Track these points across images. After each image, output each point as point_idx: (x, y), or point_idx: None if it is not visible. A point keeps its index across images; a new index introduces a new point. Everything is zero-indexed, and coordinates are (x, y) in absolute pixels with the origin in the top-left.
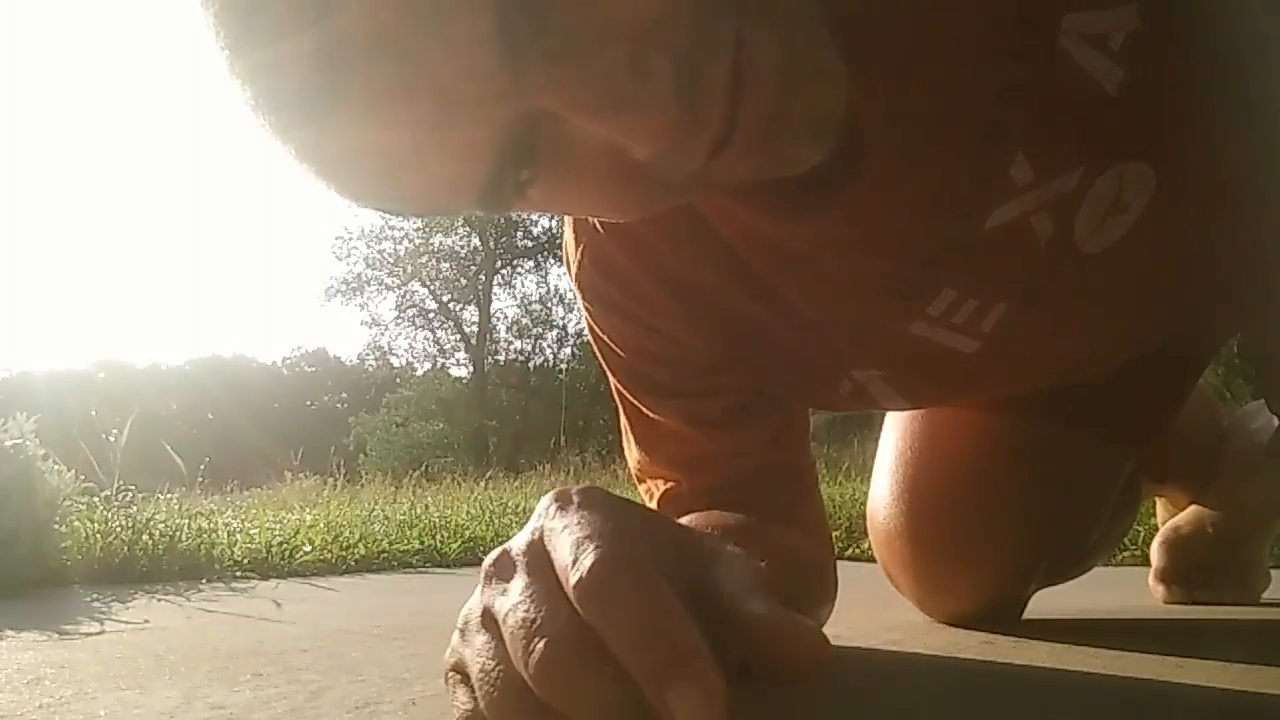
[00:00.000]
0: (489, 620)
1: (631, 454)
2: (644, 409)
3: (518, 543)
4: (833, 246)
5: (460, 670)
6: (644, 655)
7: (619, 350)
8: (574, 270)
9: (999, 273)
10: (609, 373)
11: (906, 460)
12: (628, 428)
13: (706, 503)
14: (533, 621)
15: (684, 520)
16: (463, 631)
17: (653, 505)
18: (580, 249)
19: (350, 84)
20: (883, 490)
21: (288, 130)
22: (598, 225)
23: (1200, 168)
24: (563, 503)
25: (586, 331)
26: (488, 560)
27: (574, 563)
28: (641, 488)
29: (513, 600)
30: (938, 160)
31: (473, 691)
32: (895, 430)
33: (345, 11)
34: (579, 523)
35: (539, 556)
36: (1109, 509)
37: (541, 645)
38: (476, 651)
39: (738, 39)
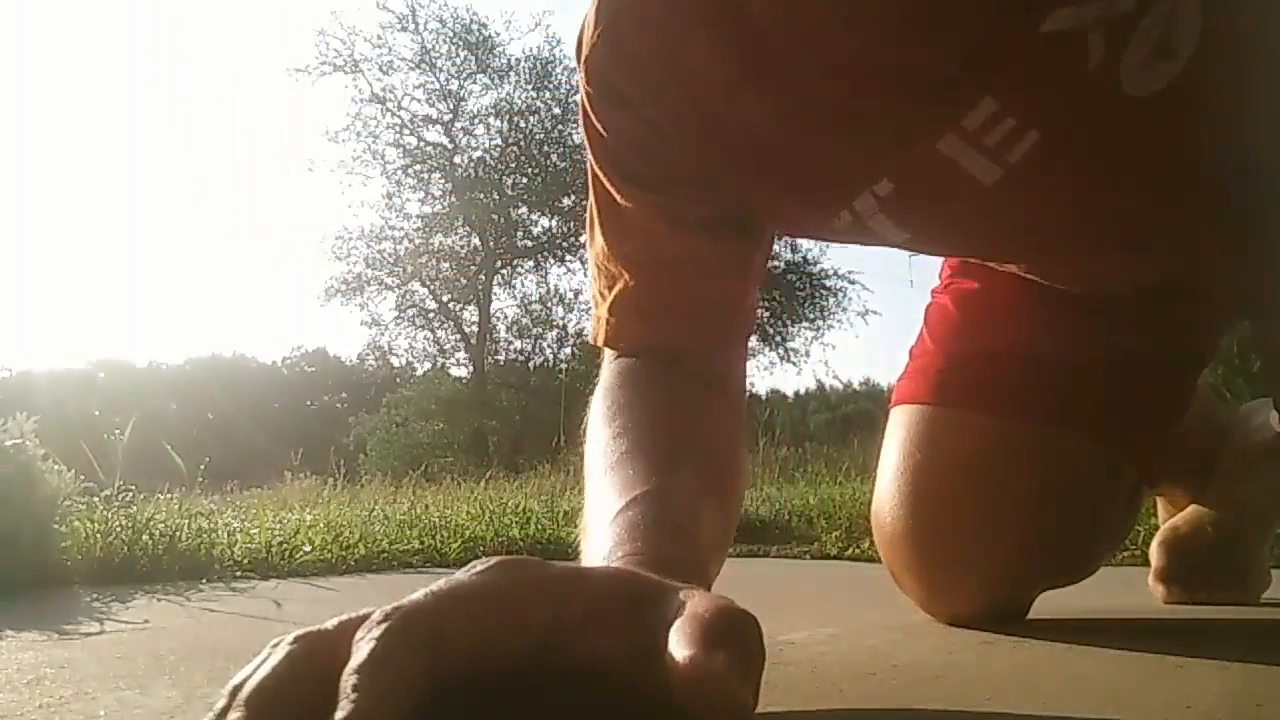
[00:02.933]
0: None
1: (594, 242)
2: (619, 198)
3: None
4: (878, 26)
5: None
6: None
7: (608, 136)
8: (585, 52)
9: (1043, 91)
10: (591, 158)
11: (914, 464)
12: (595, 214)
13: (647, 330)
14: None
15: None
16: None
17: (603, 305)
18: (597, 30)
19: None
20: (888, 493)
21: None
22: (620, 5)
23: (1248, 22)
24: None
25: (579, 117)
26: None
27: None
28: (596, 280)
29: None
30: None
31: None
32: (900, 433)
33: None
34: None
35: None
36: (1116, 513)
37: None
38: None
39: None
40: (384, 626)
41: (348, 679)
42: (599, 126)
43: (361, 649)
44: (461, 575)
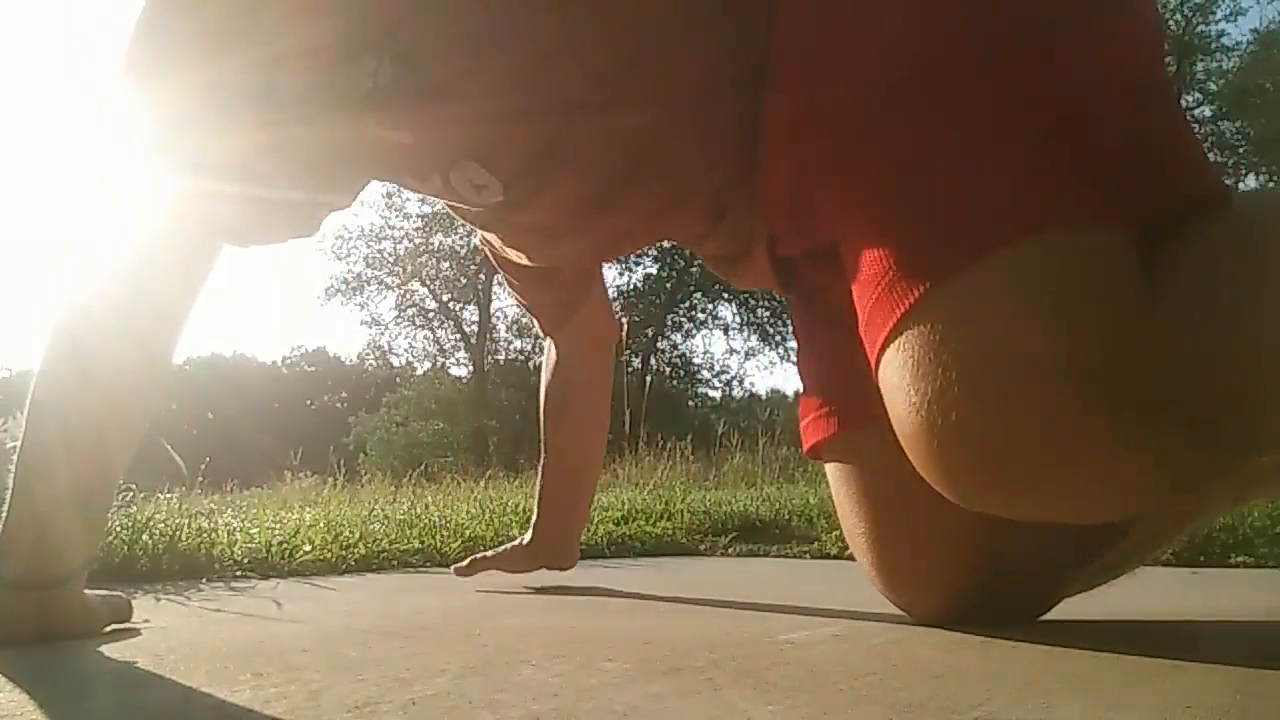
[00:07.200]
0: None
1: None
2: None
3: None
4: None
5: None
6: None
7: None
8: None
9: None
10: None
11: (852, 490)
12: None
13: None
14: None
15: None
16: None
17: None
18: None
19: None
20: (844, 514)
21: None
22: None
23: None
24: None
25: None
26: None
27: None
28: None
29: None
30: None
31: None
32: (833, 472)
33: None
34: None
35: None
36: None
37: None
38: None
39: None
40: None
41: None
42: None
43: None
44: None
